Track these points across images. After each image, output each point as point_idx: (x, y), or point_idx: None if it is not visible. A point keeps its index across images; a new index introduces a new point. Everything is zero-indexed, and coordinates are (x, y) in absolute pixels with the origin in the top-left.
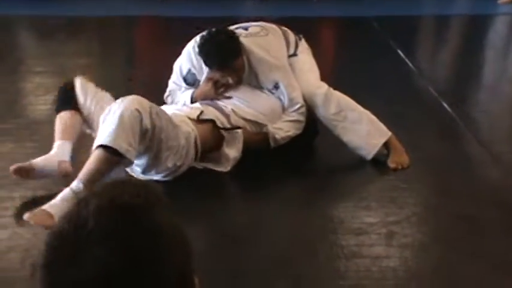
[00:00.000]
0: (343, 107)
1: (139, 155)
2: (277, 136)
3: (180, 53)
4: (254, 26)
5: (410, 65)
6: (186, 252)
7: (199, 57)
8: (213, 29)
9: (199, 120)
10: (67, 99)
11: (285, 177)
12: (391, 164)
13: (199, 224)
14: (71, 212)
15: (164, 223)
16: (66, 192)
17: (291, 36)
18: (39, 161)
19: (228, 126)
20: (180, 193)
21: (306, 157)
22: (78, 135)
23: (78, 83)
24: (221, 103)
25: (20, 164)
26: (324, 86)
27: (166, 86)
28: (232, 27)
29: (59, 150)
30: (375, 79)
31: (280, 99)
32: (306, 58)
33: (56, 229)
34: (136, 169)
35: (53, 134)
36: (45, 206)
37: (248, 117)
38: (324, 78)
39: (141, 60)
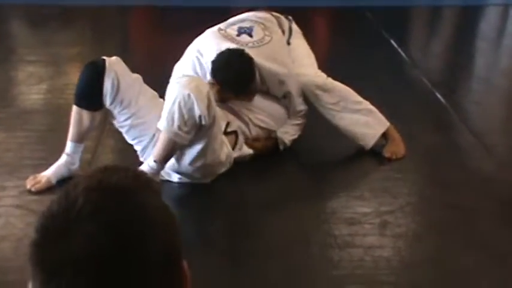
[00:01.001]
0: (341, 96)
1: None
2: (286, 140)
3: (173, 44)
4: (256, 28)
5: (403, 55)
6: (172, 233)
7: (204, 67)
8: (229, 53)
9: (225, 133)
10: (92, 95)
11: (277, 169)
12: (386, 154)
13: (193, 217)
14: (60, 194)
15: (151, 204)
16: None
17: (285, 23)
18: (54, 175)
19: (248, 134)
20: (173, 187)
21: (298, 147)
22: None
23: (110, 76)
24: (237, 109)
25: (38, 186)
26: (322, 75)
27: (161, 76)
28: (233, 28)
29: (70, 160)
30: (368, 69)
31: (287, 106)
32: (301, 45)
33: (46, 210)
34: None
35: (45, 124)
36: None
37: (263, 125)
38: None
39: (135, 50)
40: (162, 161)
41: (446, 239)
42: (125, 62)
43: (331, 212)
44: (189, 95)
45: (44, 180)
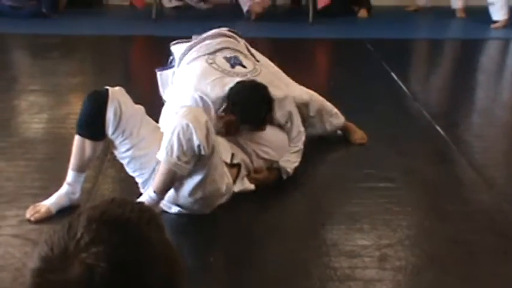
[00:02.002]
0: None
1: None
2: (288, 169)
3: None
4: (242, 58)
5: (403, 87)
6: (173, 269)
7: (209, 105)
8: (245, 86)
9: (230, 165)
10: (94, 124)
11: (276, 200)
12: (357, 141)
13: (192, 248)
14: (63, 223)
15: (153, 238)
16: (145, 198)
17: (242, 43)
18: (55, 205)
19: (250, 167)
20: (172, 217)
21: (297, 179)
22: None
23: (112, 105)
24: (242, 141)
25: (38, 215)
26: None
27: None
28: (220, 58)
29: (72, 189)
30: (368, 101)
31: (287, 133)
32: (269, 62)
33: (47, 237)
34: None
35: (46, 153)
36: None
37: (266, 156)
38: None
39: (137, 80)
40: (162, 191)
41: (446, 273)
42: (127, 92)
43: (331, 245)
44: (187, 125)
45: (43, 209)
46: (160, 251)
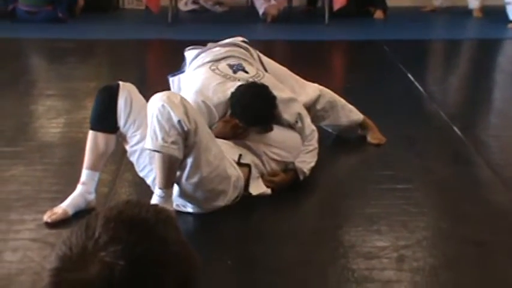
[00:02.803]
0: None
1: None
2: (304, 169)
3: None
4: (245, 64)
5: (420, 88)
6: (190, 269)
7: (212, 110)
8: (247, 89)
9: (238, 163)
10: (106, 115)
11: (293, 202)
12: (373, 141)
13: (208, 248)
14: (81, 223)
15: (170, 238)
16: (155, 198)
17: (253, 53)
18: (71, 206)
19: (263, 169)
20: (188, 220)
21: (314, 181)
22: (107, 159)
23: (123, 95)
24: (250, 143)
25: (55, 217)
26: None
27: None
28: (223, 65)
29: (87, 189)
30: (385, 102)
31: (299, 133)
32: (274, 66)
33: (66, 238)
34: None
35: (63, 158)
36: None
37: (278, 158)
38: None
39: (153, 84)
40: (166, 185)
41: (463, 274)
42: (143, 96)
43: (348, 246)
44: (163, 106)
45: (60, 211)
46: (177, 250)
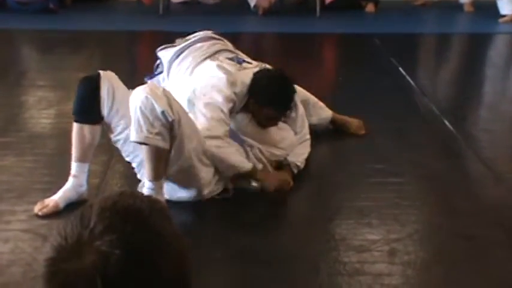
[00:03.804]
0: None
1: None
2: (298, 163)
3: None
4: (243, 56)
5: (411, 82)
6: (183, 259)
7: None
8: (270, 74)
9: None
10: (90, 107)
11: (286, 193)
12: (359, 131)
13: (199, 240)
14: (75, 214)
15: (164, 229)
16: (145, 191)
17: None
18: (62, 199)
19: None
20: (182, 212)
21: (306, 174)
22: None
23: (105, 85)
24: (247, 144)
25: (45, 210)
26: None
27: None
28: (224, 59)
29: (78, 181)
30: (376, 96)
31: (291, 124)
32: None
33: (60, 228)
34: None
35: (54, 148)
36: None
37: (273, 158)
38: (325, 94)
39: (143, 75)
40: (156, 177)
41: (455, 268)
42: (134, 87)
43: (340, 239)
44: (146, 97)
45: (51, 204)
46: (171, 241)
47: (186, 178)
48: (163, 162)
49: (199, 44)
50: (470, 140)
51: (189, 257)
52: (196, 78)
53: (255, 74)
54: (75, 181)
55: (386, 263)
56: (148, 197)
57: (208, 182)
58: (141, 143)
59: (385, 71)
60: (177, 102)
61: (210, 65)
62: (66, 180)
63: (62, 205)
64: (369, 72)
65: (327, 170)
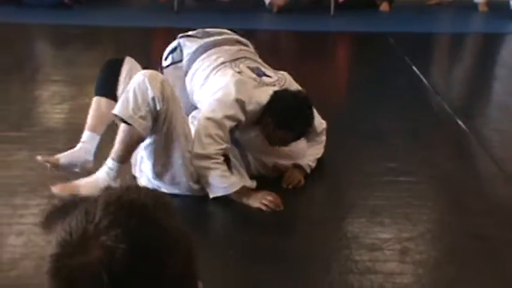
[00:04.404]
0: None
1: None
2: (310, 163)
3: None
4: (263, 68)
5: (425, 81)
6: (189, 253)
7: (247, 113)
8: (295, 95)
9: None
10: (110, 83)
11: (297, 193)
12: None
13: (211, 238)
14: (80, 209)
15: (169, 223)
16: (101, 170)
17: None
18: (65, 157)
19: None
20: (188, 208)
21: (318, 174)
22: (107, 125)
23: (126, 67)
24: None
25: (46, 158)
26: None
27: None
28: (244, 68)
29: (86, 147)
30: (389, 95)
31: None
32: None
33: (65, 223)
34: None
35: (67, 143)
36: (78, 180)
37: (277, 167)
38: (339, 92)
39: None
40: (122, 159)
41: (466, 268)
42: None
43: (352, 238)
44: (143, 80)
45: (50, 159)
46: (176, 235)
47: (176, 172)
48: (133, 149)
49: (227, 47)
50: (483, 139)
51: (194, 252)
52: (210, 84)
53: (276, 93)
54: (82, 146)
55: (398, 261)
56: (153, 191)
57: (197, 178)
58: (122, 120)
59: (398, 70)
60: (173, 96)
61: (227, 72)
62: (79, 174)
63: (63, 161)
64: (383, 71)
65: (339, 169)
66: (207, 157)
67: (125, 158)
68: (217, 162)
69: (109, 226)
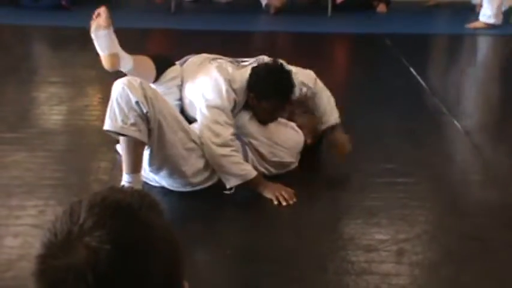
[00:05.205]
0: None
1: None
2: (336, 115)
3: None
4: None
5: (422, 82)
6: (175, 253)
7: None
8: (269, 65)
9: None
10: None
11: (295, 192)
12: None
13: (207, 238)
14: (65, 210)
15: (155, 223)
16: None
17: None
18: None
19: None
20: (181, 209)
21: (314, 174)
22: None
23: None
24: (247, 143)
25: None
26: None
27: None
28: (227, 62)
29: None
30: (386, 96)
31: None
32: None
33: (51, 225)
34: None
35: (65, 144)
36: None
37: (276, 159)
38: (335, 93)
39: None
40: (133, 169)
41: (463, 269)
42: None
43: (348, 239)
44: (122, 88)
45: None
46: (163, 235)
47: (174, 167)
48: (139, 155)
49: (198, 56)
50: (480, 141)
51: (180, 251)
52: (198, 81)
53: (253, 69)
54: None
55: (394, 263)
56: (138, 191)
57: (198, 170)
58: (116, 133)
59: (395, 71)
60: (156, 95)
61: (207, 66)
62: (76, 176)
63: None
64: (380, 72)
65: (336, 169)
66: (225, 145)
67: (136, 167)
68: (235, 150)
69: (93, 227)
